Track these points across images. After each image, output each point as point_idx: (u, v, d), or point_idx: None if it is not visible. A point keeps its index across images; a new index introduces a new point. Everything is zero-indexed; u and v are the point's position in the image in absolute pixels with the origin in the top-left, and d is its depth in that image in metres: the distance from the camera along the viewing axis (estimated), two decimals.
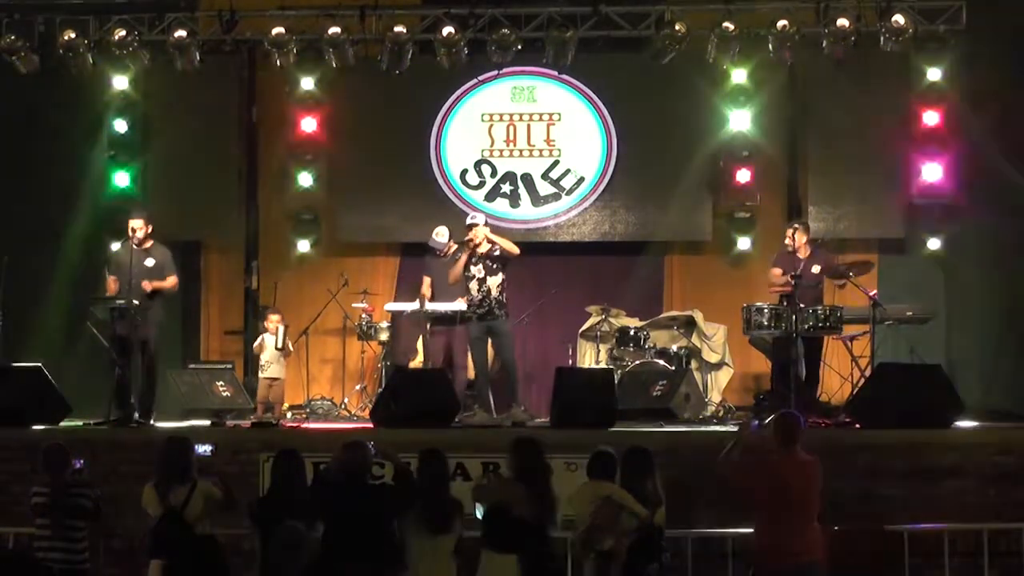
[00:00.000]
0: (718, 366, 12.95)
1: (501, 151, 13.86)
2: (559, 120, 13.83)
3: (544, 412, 11.80)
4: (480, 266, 11.51)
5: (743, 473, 7.60)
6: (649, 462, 7.93)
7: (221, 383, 12.36)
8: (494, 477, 8.59)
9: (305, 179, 13.54)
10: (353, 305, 13.08)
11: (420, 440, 9.02)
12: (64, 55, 12.80)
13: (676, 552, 8.52)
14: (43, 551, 7.87)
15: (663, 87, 13.39)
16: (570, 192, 13.78)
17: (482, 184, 13.82)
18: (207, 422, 11.60)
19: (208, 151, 13.50)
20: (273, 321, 12.32)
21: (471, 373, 12.07)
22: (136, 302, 10.93)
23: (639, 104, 13.64)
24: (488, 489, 7.94)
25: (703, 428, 11.14)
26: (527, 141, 13.84)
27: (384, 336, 12.72)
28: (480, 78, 13.69)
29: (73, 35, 12.76)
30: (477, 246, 11.45)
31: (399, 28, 12.80)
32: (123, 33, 12.82)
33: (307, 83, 13.41)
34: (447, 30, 12.77)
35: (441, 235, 12.20)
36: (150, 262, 11.27)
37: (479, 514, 7.61)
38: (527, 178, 13.81)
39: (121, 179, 13.35)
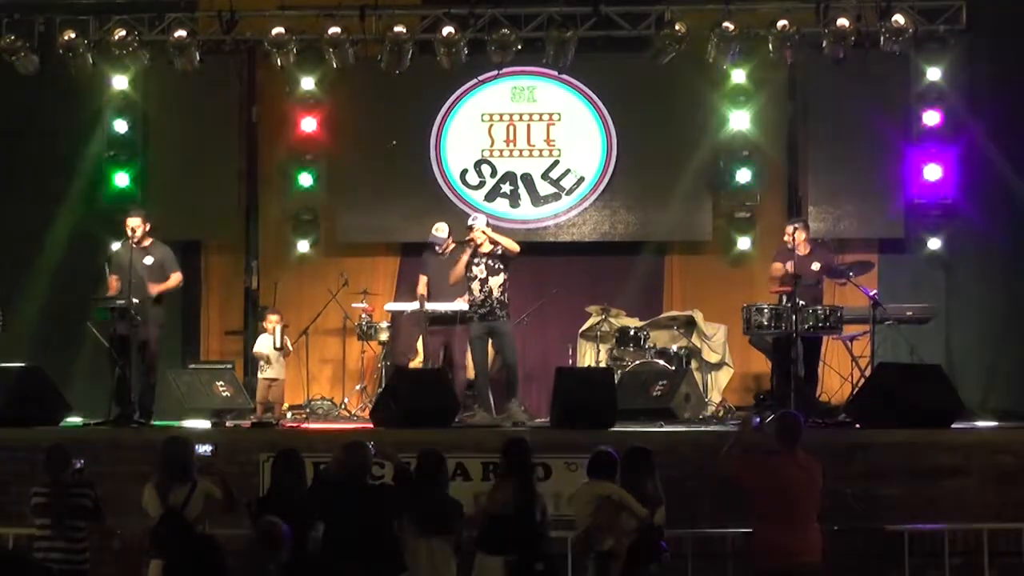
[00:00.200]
0: (718, 366, 12.96)
1: (501, 151, 13.86)
2: (559, 120, 13.83)
3: (544, 412, 11.80)
4: (482, 266, 11.51)
5: (743, 471, 7.60)
6: (649, 462, 7.93)
7: (221, 383, 12.36)
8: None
9: (305, 179, 13.56)
10: (353, 305, 13.08)
11: (420, 440, 9.04)
12: (64, 55, 12.80)
13: (676, 552, 8.50)
14: (43, 551, 7.86)
15: (663, 87, 13.40)
16: (570, 192, 13.79)
17: (482, 184, 13.82)
18: (207, 422, 11.60)
19: (208, 151, 13.51)
20: (272, 321, 12.30)
21: (471, 373, 12.07)
22: (136, 301, 10.92)
23: (639, 104, 13.65)
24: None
25: (703, 428, 11.13)
26: (527, 141, 13.85)
27: (384, 336, 12.71)
28: (480, 78, 13.69)
29: (73, 35, 12.76)
30: (479, 246, 11.44)
31: (399, 28, 12.80)
32: (123, 33, 12.82)
33: (307, 83, 13.43)
34: (447, 30, 12.77)
35: (441, 230, 12.20)
36: (149, 260, 11.26)
37: None
38: (527, 178, 13.81)
39: (121, 179, 13.36)
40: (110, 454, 9.84)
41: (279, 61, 13.06)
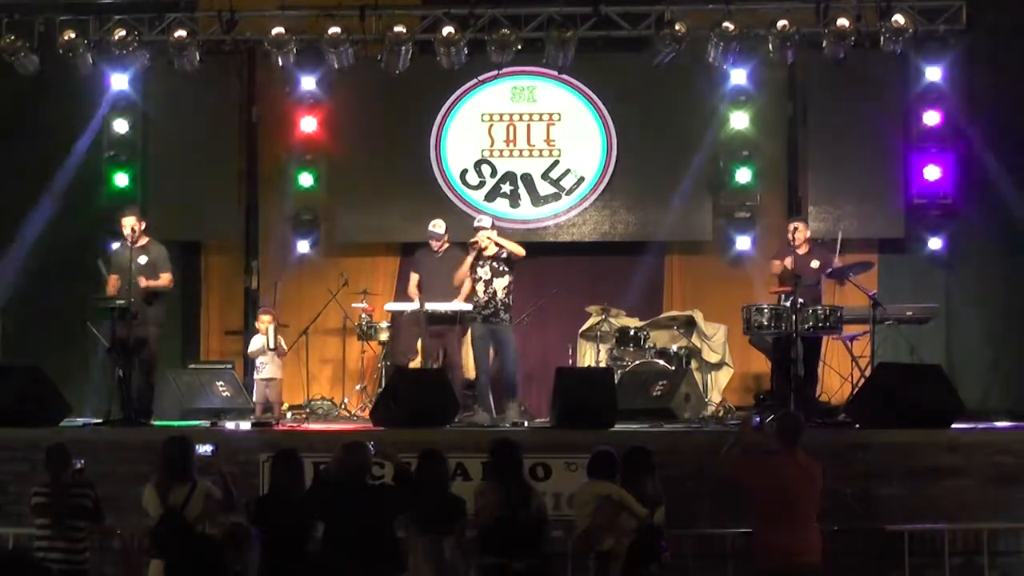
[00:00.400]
0: (718, 366, 12.96)
1: (501, 151, 13.86)
2: (559, 120, 13.83)
3: (544, 412, 11.80)
4: (487, 267, 11.51)
5: (743, 471, 7.60)
6: (649, 462, 7.92)
7: (221, 383, 12.36)
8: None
9: (305, 179, 13.57)
10: (353, 305, 13.08)
11: (420, 440, 9.03)
12: (64, 55, 12.80)
13: (676, 552, 8.50)
14: (43, 551, 7.87)
15: (663, 87, 13.41)
16: (570, 192, 13.79)
17: (482, 184, 13.82)
18: (207, 422, 11.60)
19: (208, 151, 13.52)
20: (264, 321, 12.18)
21: (469, 373, 12.07)
22: (133, 300, 10.94)
23: (639, 104, 13.65)
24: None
25: (703, 428, 11.13)
26: (527, 141, 13.85)
27: (384, 336, 12.71)
28: (480, 78, 13.69)
29: (73, 35, 12.76)
30: (483, 249, 11.43)
31: (399, 28, 12.80)
32: (123, 33, 12.82)
33: (307, 83, 13.43)
34: (447, 30, 12.77)
35: (438, 227, 12.17)
36: (143, 260, 11.26)
37: None
38: (527, 178, 13.81)
39: (121, 179, 13.37)
40: (110, 454, 9.83)
41: (279, 61, 13.06)
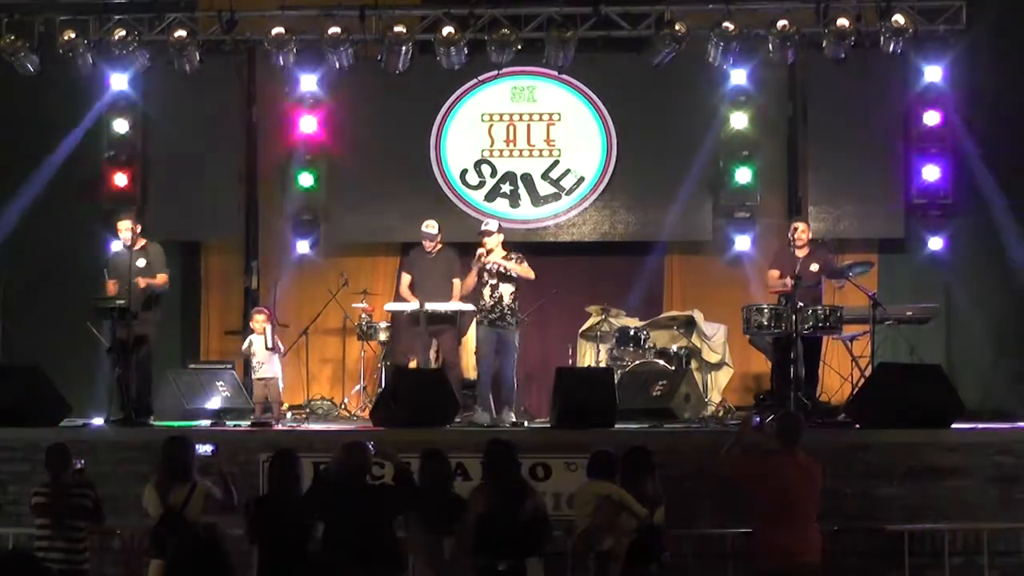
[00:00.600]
0: (718, 366, 12.95)
1: (501, 151, 13.86)
2: (559, 120, 13.83)
3: (544, 412, 11.80)
4: (493, 273, 11.52)
5: (743, 471, 7.60)
6: (649, 462, 7.92)
7: (221, 383, 12.36)
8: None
9: (305, 179, 13.56)
10: (353, 305, 13.08)
11: (420, 440, 9.04)
12: (64, 55, 12.80)
13: (676, 552, 8.50)
14: (43, 551, 7.86)
15: (663, 87, 13.40)
16: (570, 192, 13.79)
17: (482, 184, 13.82)
18: (207, 422, 11.59)
19: (208, 151, 13.51)
20: (259, 321, 12.06)
21: (469, 373, 12.08)
22: (133, 301, 10.95)
23: (639, 104, 13.65)
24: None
25: (703, 428, 11.13)
26: (527, 141, 13.85)
27: (384, 336, 12.71)
28: (480, 78, 13.68)
29: (73, 35, 12.77)
30: (485, 264, 11.44)
31: (399, 28, 12.81)
32: (123, 33, 12.82)
33: (307, 83, 13.42)
34: (447, 30, 12.77)
35: (431, 227, 12.19)
36: (142, 262, 11.30)
37: None
38: (527, 178, 13.81)
39: (121, 179, 13.36)
40: (110, 454, 9.84)
41: (279, 61, 13.06)
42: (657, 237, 13.76)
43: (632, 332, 12.52)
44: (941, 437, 9.99)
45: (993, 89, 12.80)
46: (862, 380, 11.39)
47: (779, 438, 7.69)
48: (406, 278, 12.13)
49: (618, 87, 13.73)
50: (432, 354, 11.96)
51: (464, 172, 13.83)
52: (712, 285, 13.61)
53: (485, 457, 7.77)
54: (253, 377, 12.08)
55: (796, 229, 11.54)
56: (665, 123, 13.54)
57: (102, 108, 13.38)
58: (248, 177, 13.85)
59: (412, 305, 11.90)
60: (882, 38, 12.57)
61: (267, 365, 12.00)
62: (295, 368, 12.94)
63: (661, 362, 12.23)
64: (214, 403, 12.17)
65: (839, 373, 12.28)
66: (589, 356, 12.80)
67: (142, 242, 11.44)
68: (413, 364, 12.00)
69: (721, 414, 12.27)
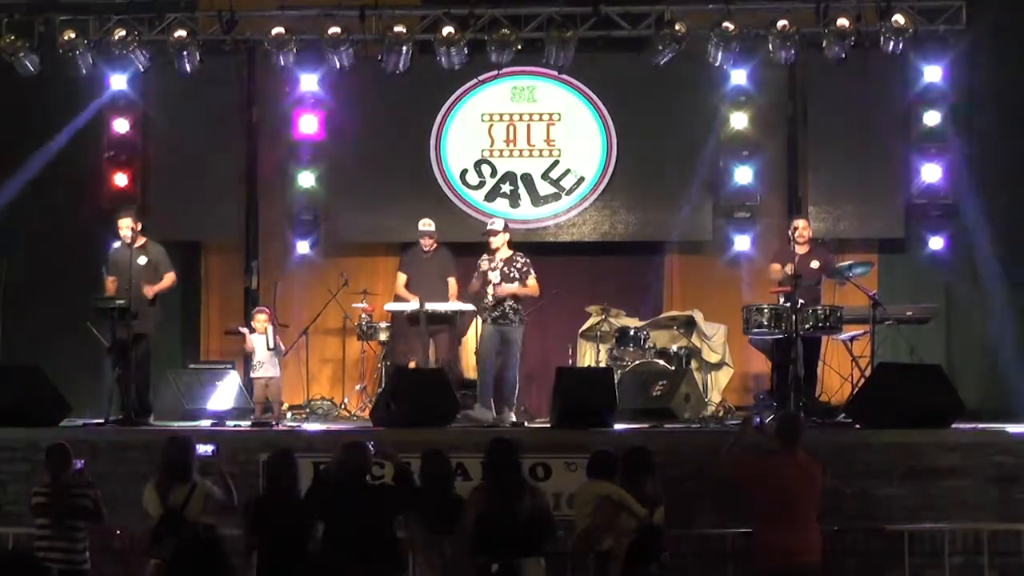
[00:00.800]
0: (718, 366, 12.95)
1: (501, 151, 13.86)
2: (559, 120, 13.83)
3: (544, 412, 11.80)
4: (497, 272, 11.52)
5: (743, 471, 7.60)
6: (649, 462, 7.92)
7: (221, 383, 12.35)
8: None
9: (305, 179, 13.56)
10: (353, 305, 13.08)
11: (420, 440, 9.04)
12: (64, 55, 12.80)
13: (676, 552, 8.51)
14: (43, 551, 7.87)
15: (663, 87, 13.40)
16: (570, 192, 13.79)
17: (482, 184, 13.82)
18: (207, 422, 11.59)
19: (208, 151, 13.51)
20: (260, 321, 12.04)
21: (468, 372, 12.08)
22: (132, 301, 10.95)
23: (639, 104, 13.64)
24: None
25: (703, 428, 11.13)
26: (527, 141, 13.85)
27: (384, 336, 12.71)
28: (480, 78, 13.68)
29: (73, 35, 12.76)
30: (496, 250, 11.47)
31: (399, 28, 12.81)
32: (123, 33, 12.82)
33: (307, 83, 13.42)
34: (447, 30, 12.77)
35: (429, 224, 12.19)
36: (143, 260, 11.30)
37: None
38: (527, 178, 13.81)
39: (121, 179, 13.36)
40: (110, 454, 9.84)
41: (279, 61, 13.06)
42: (657, 237, 13.77)
43: (632, 332, 12.52)
44: (941, 437, 9.98)
45: (993, 89, 12.81)
46: (862, 380, 11.39)
47: (779, 438, 7.70)
48: (402, 277, 12.19)
49: (618, 87, 13.73)
50: (431, 354, 11.96)
51: (464, 172, 13.83)
52: (712, 285, 13.61)
53: (487, 455, 7.76)
54: (253, 376, 12.08)
55: (796, 228, 11.54)
56: (665, 123, 13.53)
57: (102, 108, 13.39)
58: (248, 177, 13.84)
59: (412, 305, 11.90)
60: (882, 38, 12.57)
61: (267, 365, 12.00)
62: (295, 368, 12.93)
63: (661, 362, 12.23)
64: (214, 403, 12.17)
65: (839, 373, 12.28)
66: (589, 356, 12.79)
67: (142, 240, 11.45)
68: (413, 364, 12.00)
69: (721, 414, 12.26)
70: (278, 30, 12.85)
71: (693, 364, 12.55)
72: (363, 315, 12.91)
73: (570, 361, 12.82)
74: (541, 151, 13.84)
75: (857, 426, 10.51)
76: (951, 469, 9.78)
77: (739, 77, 13.20)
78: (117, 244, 11.62)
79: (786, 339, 10.96)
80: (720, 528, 9.19)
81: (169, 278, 11.48)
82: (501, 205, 13.73)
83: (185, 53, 12.83)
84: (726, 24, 12.49)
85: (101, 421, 10.95)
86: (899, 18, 12.44)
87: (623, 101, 13.71)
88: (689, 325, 13.06)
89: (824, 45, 12.64)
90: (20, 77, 12.89)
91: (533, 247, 12.89)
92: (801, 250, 11.43)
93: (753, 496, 7.59)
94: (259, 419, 11.64)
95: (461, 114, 13.85)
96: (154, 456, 8.25)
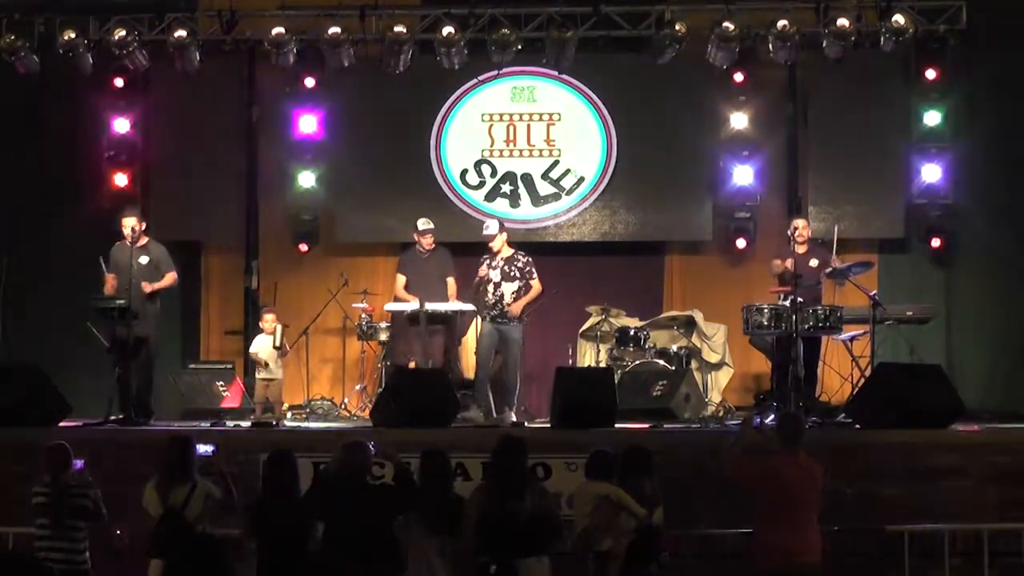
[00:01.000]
0: (718, 366, 12.95)
1: (501, 151, 13.86)
2: (559, 120, 13.83)
3: (544, 412, 11.80)
4: (497, 271, 11.55)
5: (743, 472, 7.60)
6: (648, 462, 7.92)
7: (221, 383, 12.35)
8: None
9: (305, 179, 13.57)
10: (353, 305, 13.08)
11: (420, 440, 9.03)
12: (64, 55, 12.80)
13: (676, 552, 8.50)
14: (43, 551, 7.87)
15: (663, 87, 13.41)
16: (570, 192, 13.79)
17: (482, 184, 13.82)
18: (207, 422, 11.59)
19: (208, 151, 13.51)
20: (268, 321, 12.07)
21: (467, 372, 12.07)
22: (133, 300, 10.95)
23: (639, 104, 13.64)
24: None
25: (703, 428, 11.13)
26: (527, 141, 13.85)
27: (384, 336, 12.71)
28: (480, 78, 13.68)
29: (73, 35, 12.77)
30: (496, 252, 11.50)
31: (399, 28, 12.81)
32: (123, 33, 12.82)
33: (307, 83, 13.42)
34: (447, 30, 12.78)
35: (427, 223, 12.20)
36: (144, 260, 11.30)
37: None
38: (527, 178, 13.81)
39: (121, 179, 13.36)
40: (110, 454, 9.83)
41: (279, 61, 13.06)
42: (657, 237, 13.79)
43: (632, 332, 12.52)
44: (941, 437, 9.98)
45: (993, 89, 12.81)
46: (862, 380, 11.39)
47: (780, 438, 7.69)
48: (401, 279, 12.20)
49: (618, 87, 13.73)
50: (431, 354, 11.96)
51: (464, 172, 13.83)
52: (712, 285, 13.62)
53: (493, 454, 7.75)
54: (256, 376, 12.09)
55: (796, 227, 11.54)
56: (665, 123, 13.54)
57: (102, 108, 13.38)
58: (248, 177, 13.84)
59: (412, 305, 11.90)
60: (882, 38, 12.58)
61: (272, 366, 12.01)
62: (295, 368, 12.93)
63: (661, 362, 12.23)
64: (214, 403, 12.17)
65: (839, 373, 12.28)
66: (589, 356, 12.80)
67: (144, 240, 11.44)
68: (413, 364, 12.01)
69: (721, 414, 12.26)
70: (278, 30, 12.86)
71: (693, 364, 12.56)
72: (363, 315, 12.91)
73: (570, 361, 12.82)
74: (541, 151, 13.84)
75: (857, 426, 10.51)
76: (951, 469, 9.77)
77: (739, 77, 13.20)
78: (119, 242, 11.62)
79: (786, 339, 10.96)
80: (720, 528, 9.18)
81: (171, 277, 11.49)
82: (501, 205, 13.73)
83: (185, 53, 12.84)
84: (726, 24, 12.50)
85: (101, 421, 10.95)
86: (899, 18, 12.45)
87: (623, 101, 13.71)
88: (689, 325, 13.06)
89: (824, 45, 12.64)
90: (20, 77, 12.89)
91: (533, 247, 12.89)
92: (800, 249, 11.43)
93: (754, 496, 7.58)
94: (259, 419, 11.64)
95: (461, 114, 13.85)
96: (154, 456, 8.24)
